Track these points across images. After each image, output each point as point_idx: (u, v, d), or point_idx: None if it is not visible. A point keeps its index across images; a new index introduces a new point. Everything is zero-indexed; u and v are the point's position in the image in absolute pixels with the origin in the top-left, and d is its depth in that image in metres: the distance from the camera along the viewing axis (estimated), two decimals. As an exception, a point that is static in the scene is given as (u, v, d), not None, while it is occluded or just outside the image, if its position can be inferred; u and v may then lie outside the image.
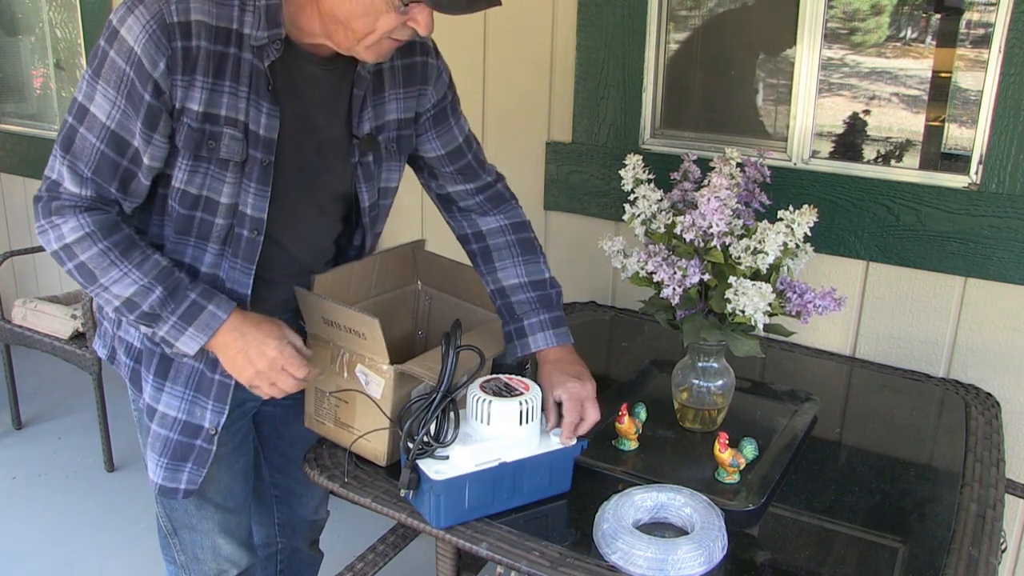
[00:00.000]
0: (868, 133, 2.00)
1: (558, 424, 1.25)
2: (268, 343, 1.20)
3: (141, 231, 1.24)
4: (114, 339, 1.36)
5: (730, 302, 1.28)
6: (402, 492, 1.16)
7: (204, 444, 1.31)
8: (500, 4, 1.11)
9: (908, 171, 1.86)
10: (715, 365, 1.44)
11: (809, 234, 1.30)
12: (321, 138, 1.28)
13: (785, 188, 1.91)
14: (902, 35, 1.96)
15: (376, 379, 1.26)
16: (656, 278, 1.35)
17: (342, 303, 1.28)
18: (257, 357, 1.20)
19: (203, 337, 1.19)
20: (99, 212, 1.16)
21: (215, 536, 1.45)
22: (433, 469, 1.13)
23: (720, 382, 1.44)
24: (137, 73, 1.10)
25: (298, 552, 1.74)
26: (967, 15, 1.84)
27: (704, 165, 1.45)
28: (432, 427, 1.14)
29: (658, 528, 1.16)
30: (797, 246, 1.31)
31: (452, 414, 1.16)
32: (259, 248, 1.25)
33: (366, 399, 1.28)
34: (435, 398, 1.16)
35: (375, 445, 1.29)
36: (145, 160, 1.15)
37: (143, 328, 1.21)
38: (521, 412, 1.17)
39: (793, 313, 1.34)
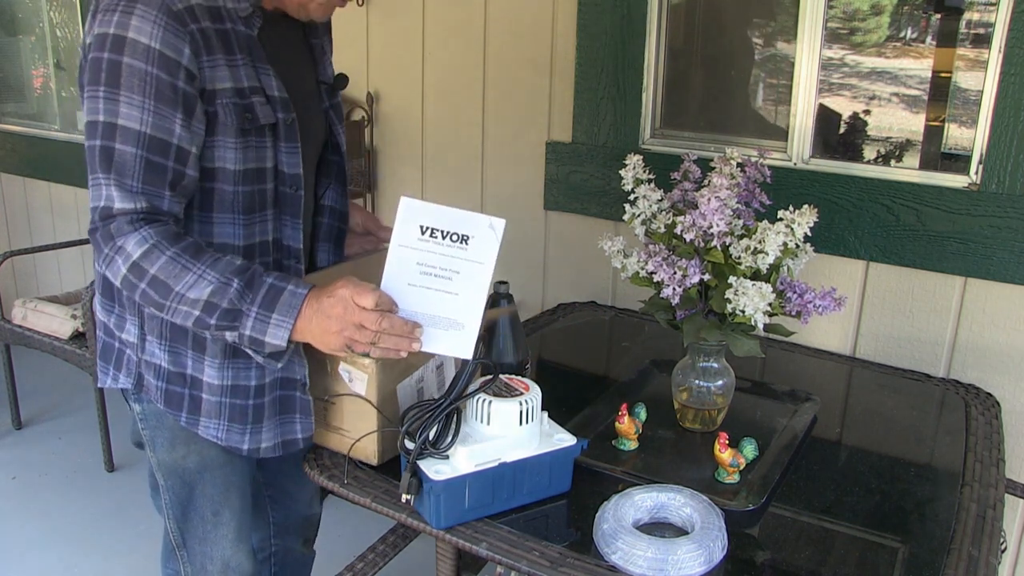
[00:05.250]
0: (868, 133, 2.00)
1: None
2: (334, 306, 1.13)
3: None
4: (139, 365, 1.30)
5: (730, 302, 1.28)
6: (404, 497, 1.15)
7: (302, 395, 1.31)
8: None
9: (908, 171, 1.86)
10: (715, 365, 1.44)
11: (809, 234, 1.30)
12: (304, 91, 1.34)
13: (785, 188, 1.91)
14: (902, 35, 1.96)
15: (359, 375, 1.26)
16: (656, 278, 1.35)
17: None
18: (328, 320, 1.13)
19: (289, 320, 1.13)
20: (158, 224, 1.14)
21: (226, 545, 1.44)
22: (433, 469, 1.13)
23: (720, 382, 1.44)
24: (162, 68, 1.10)
25: (292, 552, 1.73)
26: (967, 15, 1.84)
27: (704, 165, 1.45)
28: (432, 432, 1.14)
29: (658, 528, 1.16)
30: (797, 246, 1.31)
31: (455, 422, 1.16)
32: (302, 202, 1.30)
33: (353, 399, 1.28)
34: (443, 401, 1.16)
35: (365, 444, 1.29)
36: (192, 151, 1.16)
37: (228, 336, 1.16)
38: (521, 412, 1.17)
39: (793, 313, 1.34)
